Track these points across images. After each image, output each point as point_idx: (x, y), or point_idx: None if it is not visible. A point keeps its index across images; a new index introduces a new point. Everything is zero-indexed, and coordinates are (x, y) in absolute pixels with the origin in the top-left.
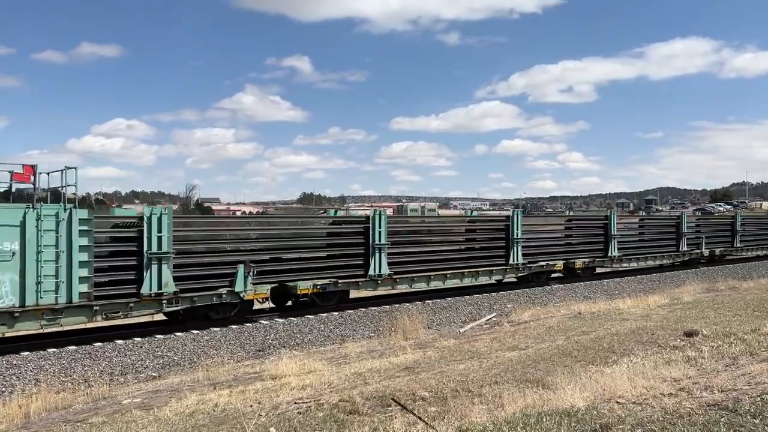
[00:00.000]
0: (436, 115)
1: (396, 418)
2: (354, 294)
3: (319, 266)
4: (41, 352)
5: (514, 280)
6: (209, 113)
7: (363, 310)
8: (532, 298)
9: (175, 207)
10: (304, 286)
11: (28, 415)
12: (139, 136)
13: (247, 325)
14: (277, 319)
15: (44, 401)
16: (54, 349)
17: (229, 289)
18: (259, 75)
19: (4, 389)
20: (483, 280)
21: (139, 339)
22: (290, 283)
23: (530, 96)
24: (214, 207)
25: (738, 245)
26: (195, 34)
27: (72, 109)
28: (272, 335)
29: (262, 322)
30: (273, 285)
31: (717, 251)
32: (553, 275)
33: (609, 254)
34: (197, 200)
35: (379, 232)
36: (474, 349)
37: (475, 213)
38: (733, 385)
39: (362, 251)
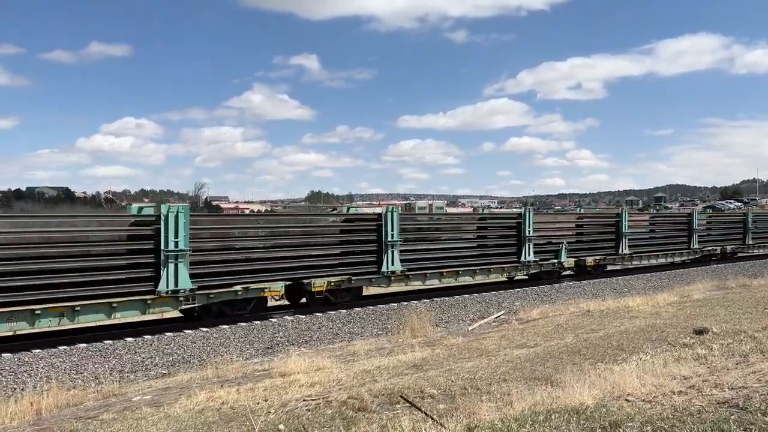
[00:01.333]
0: (444, 113)
1: (404, 415)
2: None
3: None
4: (52, 349)
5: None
6: (217, 112)
7: (371, 308)
8: (541, 296)
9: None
10: None
11: (39, 412)
12: (148, 134)
13: (256, 322)
14: (286, 317)
15: (55, 398)
16: (65, 347)
17: None
18: (266, 73)
19: (15, 386)
20: (86, 320)
21: (149, 337)
22: None
23: (538, 93)
24: (223, 205)
25: (625, 252)
26: (203, 33)
27: (81, 108)
28: (281, 333)
29: (272, 320)
30: None
31: (589, 260)
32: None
33: (384, 269)
34: (206, 199)
35: None
36: (482, 347)
37: (143, 210)
38: (744, 383)
39: None
